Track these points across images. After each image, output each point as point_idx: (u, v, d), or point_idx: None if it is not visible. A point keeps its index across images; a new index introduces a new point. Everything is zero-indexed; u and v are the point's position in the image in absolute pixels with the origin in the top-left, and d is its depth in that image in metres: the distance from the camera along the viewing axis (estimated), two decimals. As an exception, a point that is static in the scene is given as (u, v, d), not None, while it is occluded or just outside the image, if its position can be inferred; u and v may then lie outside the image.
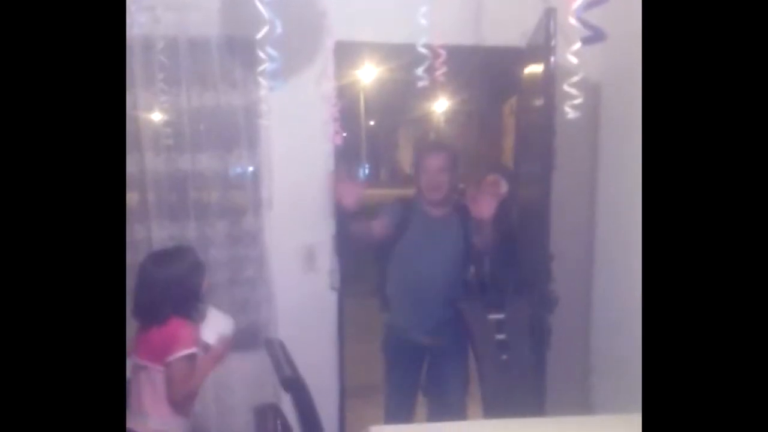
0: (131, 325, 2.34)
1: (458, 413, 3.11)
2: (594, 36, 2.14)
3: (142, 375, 2.35)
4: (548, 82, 2.82)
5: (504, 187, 3.21)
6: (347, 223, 3.09)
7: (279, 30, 2.36)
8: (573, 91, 2.42)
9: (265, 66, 2.85)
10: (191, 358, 2.32)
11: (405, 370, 3.25)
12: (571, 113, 2.44)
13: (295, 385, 2.18)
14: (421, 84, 2.81)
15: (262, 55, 2.77)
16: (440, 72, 2.77)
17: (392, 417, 3.21)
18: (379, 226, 3.15)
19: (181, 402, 2.35)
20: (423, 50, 2.47)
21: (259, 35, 2.39)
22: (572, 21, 2.11)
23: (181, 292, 2.36)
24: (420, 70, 2.79)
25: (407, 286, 3.16)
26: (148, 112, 3.10)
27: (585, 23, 2.11)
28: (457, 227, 3.16)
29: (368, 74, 5.98)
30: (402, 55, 3.56)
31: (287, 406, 2.36)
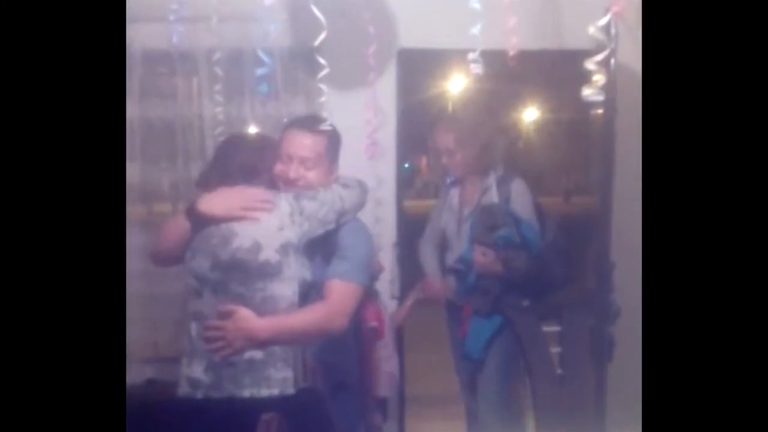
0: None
1: None
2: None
3: None
4: (608, 86, 2.73)
5: None
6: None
7: (333, 36, 2.37)
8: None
9: (325, 73, 2.87)
10: None
11: None
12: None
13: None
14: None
15: (322, 61, 2.80)
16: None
17: None
18: None
19: None
20: (475, 59, 2.41)
21: (317, 42, 2.41)
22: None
23: None
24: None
25: None
26: (213, 122, 3.18)
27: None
28: None
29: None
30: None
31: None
